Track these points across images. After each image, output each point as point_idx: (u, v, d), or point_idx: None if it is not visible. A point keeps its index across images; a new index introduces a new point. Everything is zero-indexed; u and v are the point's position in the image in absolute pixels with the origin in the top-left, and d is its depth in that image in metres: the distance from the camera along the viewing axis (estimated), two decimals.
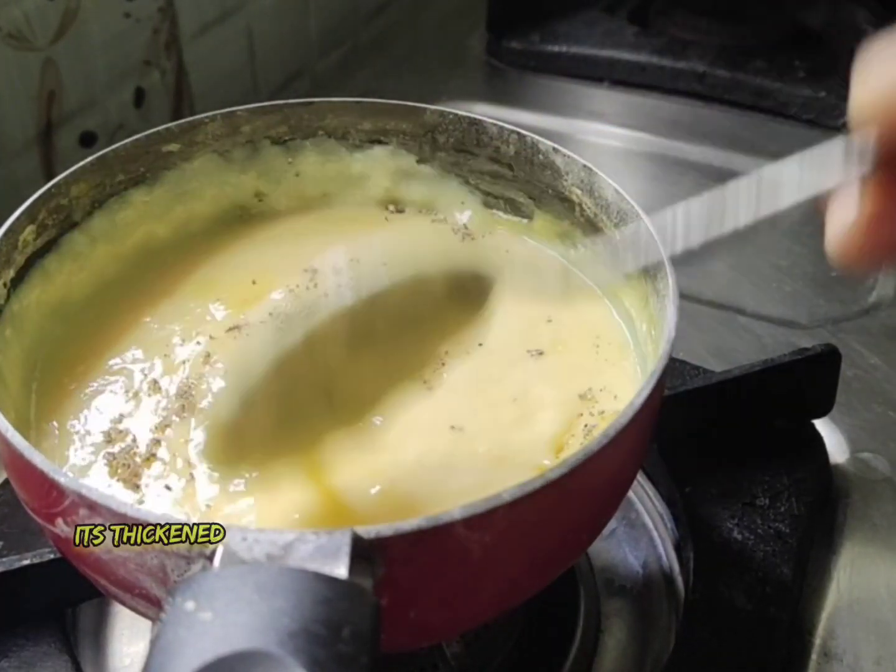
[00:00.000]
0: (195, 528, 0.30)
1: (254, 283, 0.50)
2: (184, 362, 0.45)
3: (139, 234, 0.51)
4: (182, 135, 0.51)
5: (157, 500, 0.39)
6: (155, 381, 0.44)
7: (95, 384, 0.44)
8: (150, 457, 0.41)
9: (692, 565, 0.50)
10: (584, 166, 0.48)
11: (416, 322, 0.41)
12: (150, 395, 0.44)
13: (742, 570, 0.49)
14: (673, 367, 0.57)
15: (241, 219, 0.55)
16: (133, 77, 0.75)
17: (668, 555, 0.54)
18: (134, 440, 0.41)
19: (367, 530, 0.30)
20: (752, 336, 0.67)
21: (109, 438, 0.42)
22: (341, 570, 0.28)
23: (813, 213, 0.76)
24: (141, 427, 0.42)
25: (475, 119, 0.52)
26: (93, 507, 0.32)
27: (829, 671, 0.47)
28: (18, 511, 0.40)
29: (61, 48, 0.68)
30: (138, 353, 0.46)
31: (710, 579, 0.49)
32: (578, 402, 0.44)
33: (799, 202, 0.32)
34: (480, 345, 0.45)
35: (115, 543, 0.32)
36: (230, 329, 0.47)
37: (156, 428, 0.42)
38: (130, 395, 0.44)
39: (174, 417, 0.42)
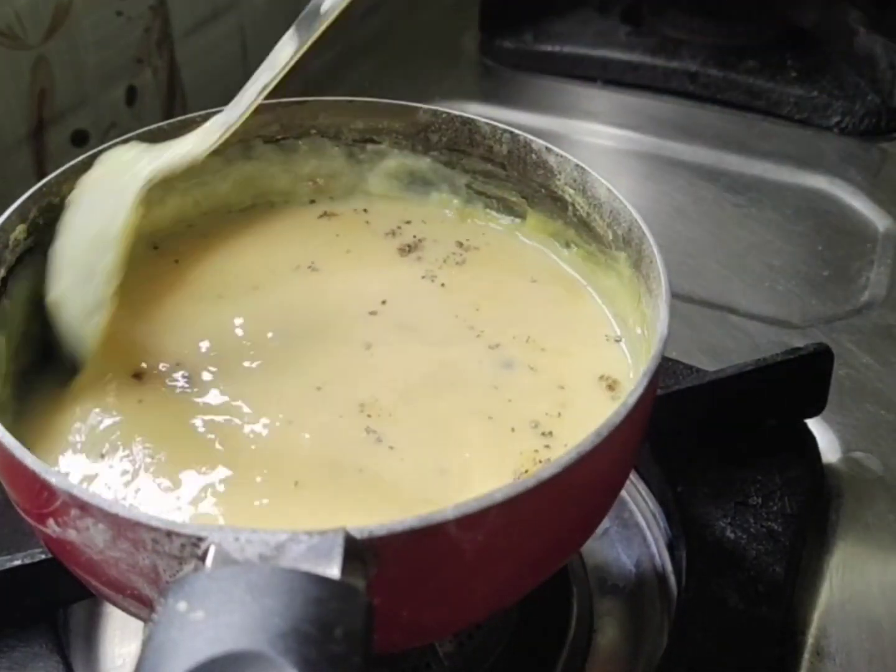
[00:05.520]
0: (187, 528, 0.30)
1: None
2: (177, 364, 0.45)
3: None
4: (174, 133, 0.50)
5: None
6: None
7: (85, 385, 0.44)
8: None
9: (685, 564, 0.50)
10: (577, 165, 0.48)
11: None
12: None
13: (735, 570, 0.49)
14: (665, 367, 0.57)
15: (233, 217, 0.55)
16: (125, 75, 0.75)
17: (660, 554, 0.54)
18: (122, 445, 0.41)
19: (360, 530, 0.30)
20: (745, 335, 0.67)
21: (95, 441, 0.41)
22: (333, 571, 0.28)
23: (805, 212, 0.77)
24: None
25: (468, 118, 0.52)
26: (84, 507, 0.32)
27: (822, 670, 0.48)
28: (9, 511, 0.40)
29: (53, 46, 0.68)
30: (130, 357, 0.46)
31: (703, 578, 0.49)
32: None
33: None
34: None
35: (107, 544, 0.32)
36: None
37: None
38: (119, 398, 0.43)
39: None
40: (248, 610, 0.26)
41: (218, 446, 0.41)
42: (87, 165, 0.47)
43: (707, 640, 0.46)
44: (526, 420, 0.42)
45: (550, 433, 0.42)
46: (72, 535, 0.33)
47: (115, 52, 0.73)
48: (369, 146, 0.54)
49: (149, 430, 0.41)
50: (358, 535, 0.29)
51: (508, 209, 0.53)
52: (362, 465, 0.40)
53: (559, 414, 0.43)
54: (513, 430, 0.42)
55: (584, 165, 0.48)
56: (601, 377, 0.45)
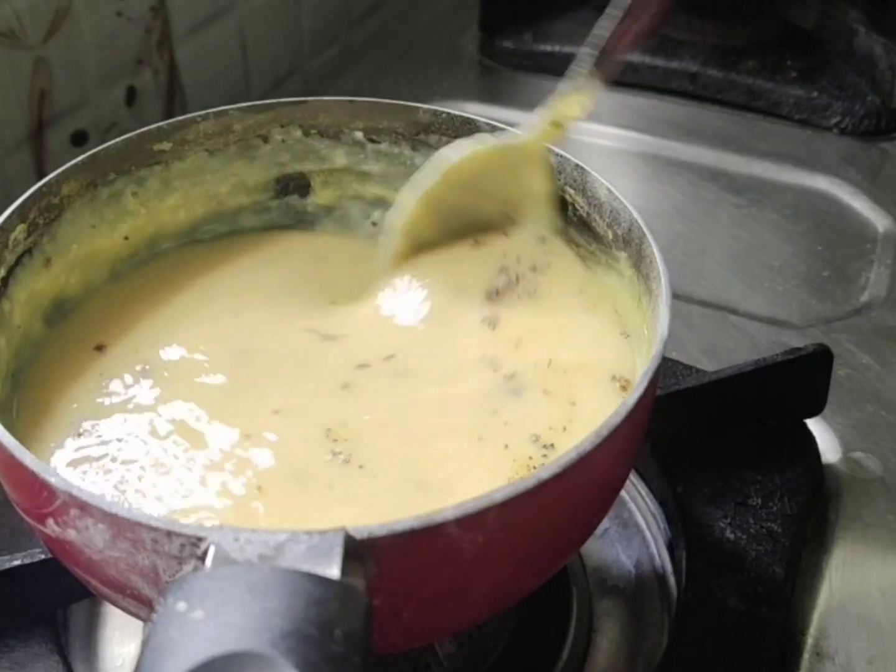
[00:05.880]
0: (187, 528, 0.30)
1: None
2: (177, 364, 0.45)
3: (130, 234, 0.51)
4: (173, 133, 0.51)
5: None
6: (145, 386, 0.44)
7: (84, 386, 0.44)
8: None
9: (685, 565, 0.50)
10: (577, 165, 0.48)
11: None
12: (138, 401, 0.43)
13: (734, 570, 0.49)
14: (665, 367, 0.57)
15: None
16: (125, 76, 0.75)
17: (660, 554, 0.54)
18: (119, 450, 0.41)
19: (360, 530, 0.30)
20: (745, 336, 0.67)
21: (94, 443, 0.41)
22: (333, 571, 0.28)
23: (805, 212, 0.77)
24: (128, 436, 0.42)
25: (468, 118, 0.52)
26: (84, 507, 0.32)
27: (822, 670, 0.47)
28: (9, 511, 0.40)
29: (53, 47, 0.67)
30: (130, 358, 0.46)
31: (703, 579, 0.49)
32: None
33: None
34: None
35: (107, 544, 0.32)
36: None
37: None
38: (119, 399, 0.43)
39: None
40: (247, 610, 0.26)
41: (178, 446, 0.40)
42: (87, 165, 0.47)
43: (707, 640, 0.46)
44: (524, 436, 0.41)
45: (552, 445, 0.40)
46: (72, 535, 0.33)
47: (115, 53, 0.73)
48: (369, 146, 0.54)
49: (107, 426, 0.42)
50: (358, 536, 0.29)
51: None
52: (332, 482, 0.38)
53: (564, 428, 0.41)
54: (506, 447, 0.40)
55: (584, 165, 0.48)
56: (614, 377, 0.44)
